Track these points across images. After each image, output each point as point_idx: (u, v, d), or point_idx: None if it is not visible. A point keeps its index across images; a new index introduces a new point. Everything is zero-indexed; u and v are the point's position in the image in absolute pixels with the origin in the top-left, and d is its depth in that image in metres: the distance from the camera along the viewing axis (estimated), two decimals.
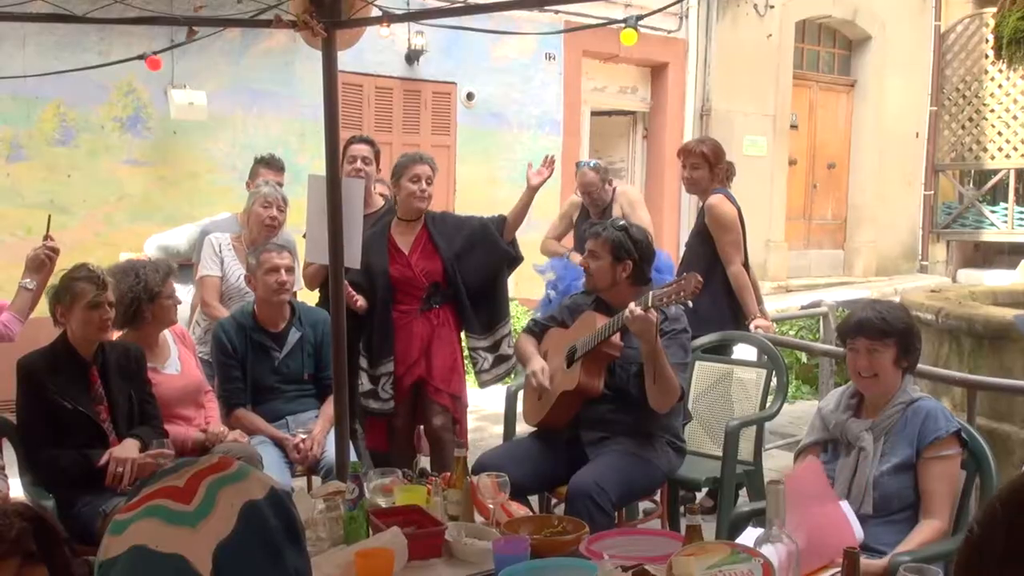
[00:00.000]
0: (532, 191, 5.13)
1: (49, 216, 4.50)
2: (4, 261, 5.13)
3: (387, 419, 5.08)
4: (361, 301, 4.96)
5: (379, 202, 5.59)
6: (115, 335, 4.37)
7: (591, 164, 6.85)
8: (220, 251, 5.33)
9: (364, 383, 5.06)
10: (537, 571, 2.47)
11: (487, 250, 5.13)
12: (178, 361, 4.57)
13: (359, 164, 5.41)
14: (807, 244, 15.09)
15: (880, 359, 3.26)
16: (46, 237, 4.36)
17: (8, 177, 7.98)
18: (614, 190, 6.78)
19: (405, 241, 5.08)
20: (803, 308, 8.91)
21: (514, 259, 5.27)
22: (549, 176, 5.15)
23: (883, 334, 3.26)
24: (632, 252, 4.21)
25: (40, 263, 4.27)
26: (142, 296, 4.36)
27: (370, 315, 5.02)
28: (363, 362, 5.08)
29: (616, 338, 4.06)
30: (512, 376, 5.51)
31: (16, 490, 4.10)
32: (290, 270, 4.81)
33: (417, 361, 5.03)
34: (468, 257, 5.10)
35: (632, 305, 3.82)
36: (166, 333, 4.58)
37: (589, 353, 4.09)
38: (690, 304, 3.84)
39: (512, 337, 5.27)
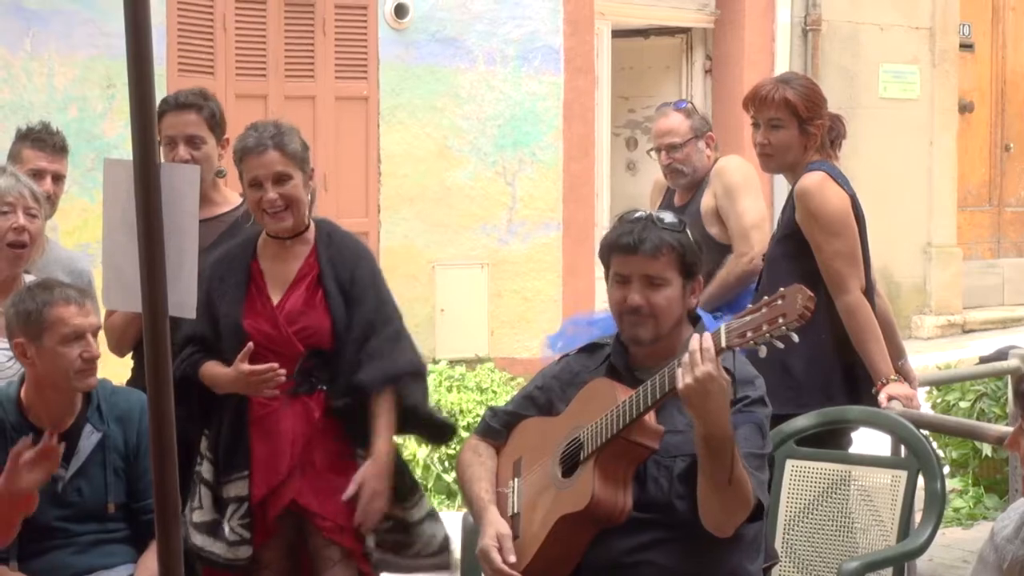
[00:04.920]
0: None
1: None
2: None
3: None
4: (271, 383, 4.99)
5: (232, 199, 5.68)
6: None
7: (679, 104, 6.89)
8: None
9: (203, 508, 5.11)
10: None
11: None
12: None
13: (181, 151, 5.45)
14: (996, 249, 15.14)
15: None
16: None
17: None
18: (714, 162, 6.82)
19: (279, 275, 5.15)
20: (983, 360, 8.92)
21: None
22: None
23: None
24: (701, 261, 4.30)
25: None
26: None
27: (217, 399, 5.10)
28: (206, 470, 5.16)
29: (651, 419, 4.07)
30: None
31: None
32: (97, 332, 4.87)
33: (289, 478, 5.06)
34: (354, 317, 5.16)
35: (693, 343, 3.81)
36: None
37: (606, 448, 4.08)
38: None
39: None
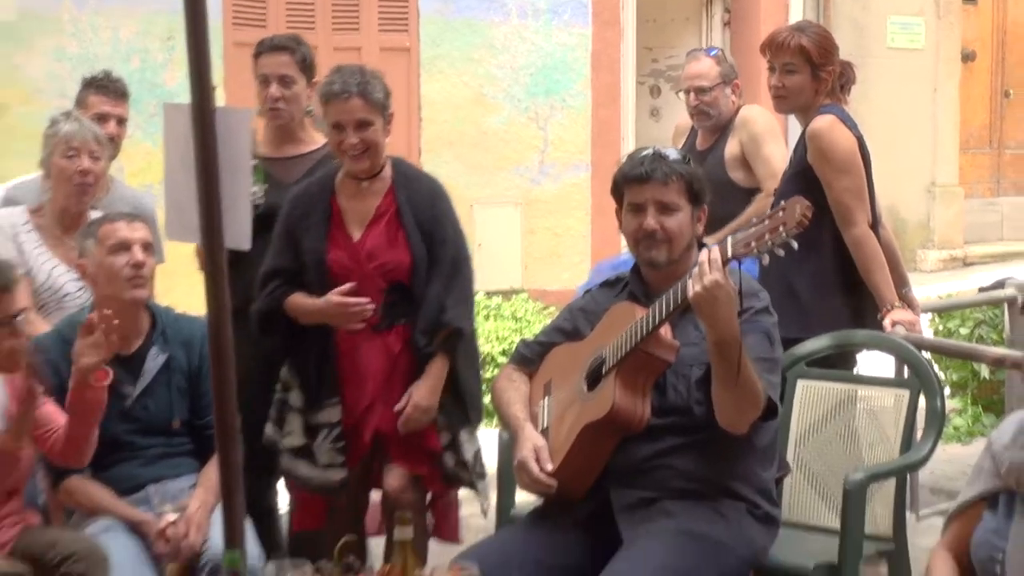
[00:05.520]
0: None
1: None
2: None
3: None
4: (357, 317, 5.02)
5: (317, 139, 5.68)
6: None
7: (710, 51, 6.99)
8: (16, 236, 5.41)
9: (293, 434, 5.17)
10: None
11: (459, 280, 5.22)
12: None
13: (273, 89, 5.52)
14: (996, 188, 15.10)
15: None
16: None
17: None
18: (738, 109, 6.85)
19: (358, 212, 5.14)
20: (982, 291, 8.93)
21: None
22: None
23: None
24: (706, 191, 4.36)
25: None
26: None
27: (304, 331, 5.14)
28: (294, 398, 5.21)
29: (666, 332, 4.12)
30: None
31: None
32: (148, 247, 4.90)
33: (372, 407, 5.12)
34: (440, 255, 5.18)
35: (702, 255, 3.88)
36: None
37: (626, 360, 4.13)
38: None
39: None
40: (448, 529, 5.37)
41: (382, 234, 5.11)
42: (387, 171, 5.17)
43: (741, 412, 4.05)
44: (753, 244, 3.82)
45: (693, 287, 3.85)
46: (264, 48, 5.60)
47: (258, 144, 5.55)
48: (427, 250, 5.11)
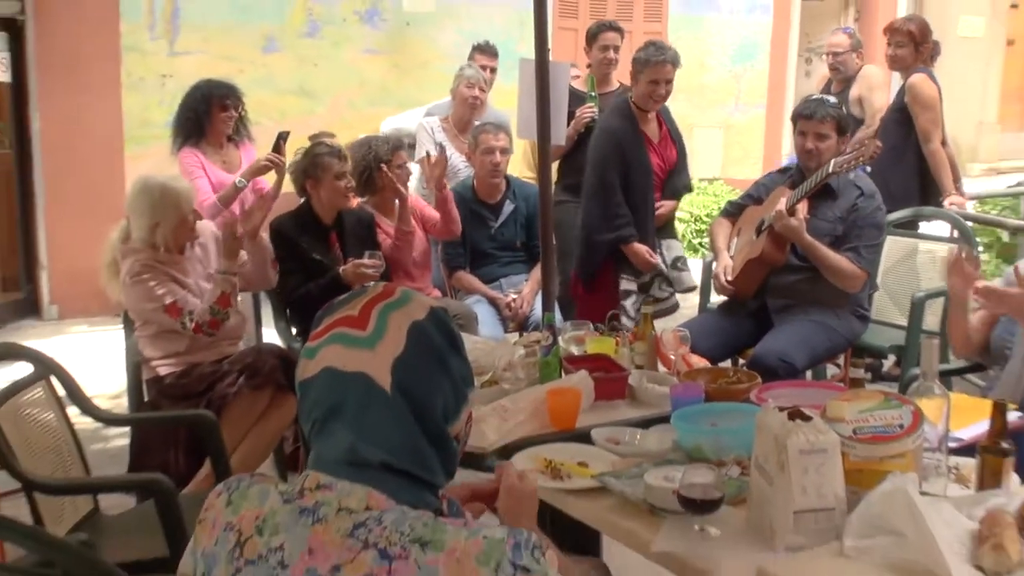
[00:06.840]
0: None
1: (281, 134, 4.83)
2: (261, 143, 5.53)
3: None
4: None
5: (615, 83, 5.57)
6: (354, 202, 4.69)
7: (845, 29, 6.82)
8: (434, 133, 5.54)
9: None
10: (707, 413, 2.59)
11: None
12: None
13: (611, 54, 5.44)
14: (1023, 126, 14.15)
15: None
16: (276, 149, 4.78)
17: (265, 67, 8.48)
18: (859, 68, 6.60)
19: (651, 132, 4.95)
20: (1009, 188, 8.46)
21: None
22: None
23: None
24: (850, 125, 4.32)
25: (259, 170, 4.81)
26: (372, 164, 4.63)
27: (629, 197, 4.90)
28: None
29: (801, 208, 4.05)
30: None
31: (271, 338, 4.55)
32: (504, 151, 4.96)
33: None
34: (683, 161, 5.14)
35: (781, 205, 3.98)
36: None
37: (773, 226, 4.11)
38: (868, 169, 3.98)
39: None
40: None
41: (665, 145, 4.99)
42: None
43: (842, 282, 4.07)
44: (845, 165, 3.95)
45: (776, 225, 4.02)
46: (605, 28, 5.45)
47: (596, 85, 5.40)
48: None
